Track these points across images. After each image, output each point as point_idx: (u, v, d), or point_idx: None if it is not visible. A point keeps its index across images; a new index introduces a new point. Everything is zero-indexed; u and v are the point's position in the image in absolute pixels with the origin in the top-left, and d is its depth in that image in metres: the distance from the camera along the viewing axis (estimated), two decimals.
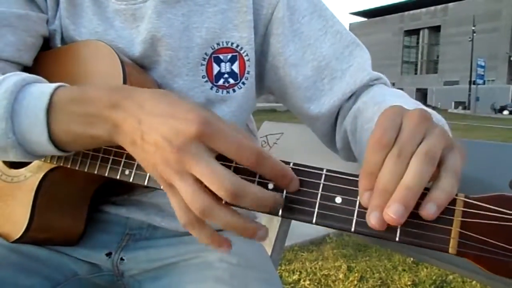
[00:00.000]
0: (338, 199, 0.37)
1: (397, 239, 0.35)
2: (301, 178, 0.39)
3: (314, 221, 0.38)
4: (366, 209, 0.35)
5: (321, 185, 0.38)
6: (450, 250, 0.33)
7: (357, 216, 0.36)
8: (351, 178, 0.38)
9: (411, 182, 0.32)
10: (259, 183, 0.39)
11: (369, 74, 0.65)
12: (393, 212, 0.32)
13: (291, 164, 0.39)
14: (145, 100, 0.40)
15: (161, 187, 0.41)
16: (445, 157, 0.35)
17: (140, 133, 0.39)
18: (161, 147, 0.37)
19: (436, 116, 0.51)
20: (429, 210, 0.32)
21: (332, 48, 0.65)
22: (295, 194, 0.39)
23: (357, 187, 0.37)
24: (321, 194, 0.38)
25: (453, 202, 0.34)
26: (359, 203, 0.36)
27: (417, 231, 0.34)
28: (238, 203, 0.36)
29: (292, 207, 0.39)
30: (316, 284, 2.13)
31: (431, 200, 0.33)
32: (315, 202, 0.38)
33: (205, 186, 0.36)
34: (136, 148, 0.40)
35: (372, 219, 0.33)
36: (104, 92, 0.43)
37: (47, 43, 0.67)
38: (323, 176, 0.38)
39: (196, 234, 0.40)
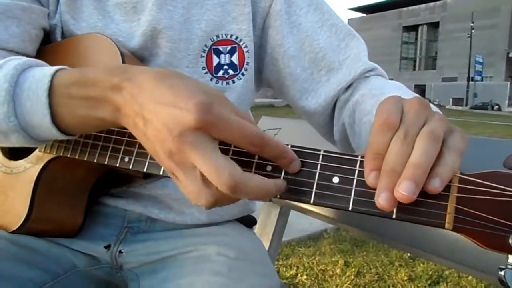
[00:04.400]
0: (336, 179, 0.38)
1: (394, 216, 0.35)
2: (299, 159, 0.40)
3: (312, 201, 0.38)
4: (363, 188, 0.36)
5: (319, 165, 0.39)
6: (446, 226, 0.34)
7: (354, 195, 0.37)
8: (348, 157, 0.38)
9: (419, 160, 0.33)
10: (258, 164, 0.40)
11: (364, 65, 0.65)
12: (404, 190, 0.32)
13: (289, 146, 0.40)
14: (145, 82, 0.39)
15: (161, 173, 0.43)
16: (447, 138, 0.36)
17: (141, 118, 0.38)
18: (162, 135, 0.36)
19: (433, 108, 0.52)
20: (434, 184, 0.33)
21: (328, 41, 0.67)
22: (293, 175, 0.40)
23: (353, 166, 0.37)
24: (319, 174, 0.39)
25: None
26: (356, 181, 0.37)
27: (413, 207, 0.35)
28: (239, 196, 0.36)
29: (290, 188, 0.40)
30: (313, 279, 2.14)
31: (436, 175, 0.34)
32: (313, 182, 0.39)
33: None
34: (138, 132, 0.40)
35: (382, 200, 0.34)
36: (104, 74, 0.42)
37: (47, 37, 0.68)
38: (321, 156, 0.39)
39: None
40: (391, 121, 0.35)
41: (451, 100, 46.82)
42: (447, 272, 2.24)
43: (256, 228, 1.06)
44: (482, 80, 52.65)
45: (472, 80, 49.07)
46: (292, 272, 2.19)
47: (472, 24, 49.54)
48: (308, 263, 2.31)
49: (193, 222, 0.68)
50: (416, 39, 67.36)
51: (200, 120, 0.35)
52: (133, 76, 0.40)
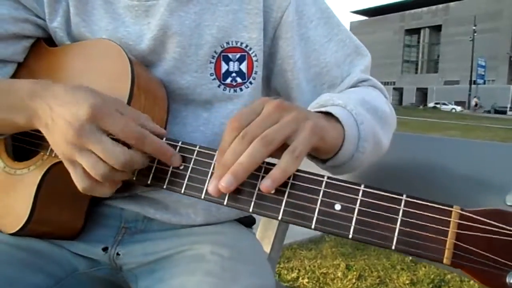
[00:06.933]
0: (338, 206, 0.39)
1: (393, 247, 0.36)
2: (302, 184, 0.41)
3: (313, 226, 0.39)
4: (365, 217, 0.38)
5: (322, 192, 0.40)
6: (445, 261, 0.34)
7: (355, 223, 0.38)
8: (351, 186, 0.39)
9: (242, 159, 0.40)
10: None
11: (356, 76, 0.67)
12: (223, 181, 0.40)
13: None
14: (59, 91, 0.49)
15: (165, 187, 0.49)
16: (291, 140, 0.41)
17: (50, 118, 0.48)
18: (65, 129, 0.46)
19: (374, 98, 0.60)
20: (264, 183, 0.40)
21: (334, 56, 0.67)
22: (296, 199, 0.40)
23: (356, 195, 0.39)
24: (321, 201, 0.40)
25: (448, 213, 0.35)
26: (358, 210, 0.38)
27: (413, 240, 0.35)
28: (129, 170, 0.48)
29: (292, 212, 0.40)
30: (314, 282, 2.14)
31: (268, 176, 0.40)
32: (315, 208, 0.39)
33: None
34: (48, 130, 0.49)
35: (209, 187, 0.42)
36: (27, 84, 0.52)
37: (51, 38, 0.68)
38: (324, 183, 0.40)
39: (97, 194, 0.51)
40: (236, 123, 0.42)
41: (453, 103, 46.74)
42: (449, 276, 2.24)
43: (258, 231, 1.06)
44: (484, 83, 52.57)
45: (475, 83, 49.00)
46: (294, 275, 2.19)
47: (474, 28, 49.51)
48: (309, 266, 2.30)
49: (188, 223, 0.68)
50: (418, 42, 67.34)
51: (91, 114, 0.46)
52: (50, 87, 0.50)
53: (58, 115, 0.47)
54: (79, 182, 0.49)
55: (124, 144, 0.47)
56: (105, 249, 0.67)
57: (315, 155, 0.51)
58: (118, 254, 0.67)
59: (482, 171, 0.70)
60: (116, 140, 0.47)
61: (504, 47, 54.56)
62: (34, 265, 0.61)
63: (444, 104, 44.90)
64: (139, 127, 0.48)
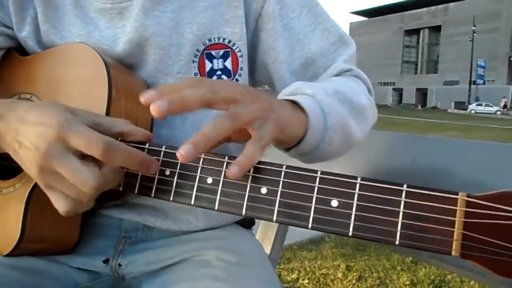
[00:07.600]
0: (334, 202, 0.36)
1: (397, 242, 0.34)
2: (294, 181, 0.39)
3: (310, 226, 0.37)
4: (364, 212, 0.35)
5: (316, 188, 0.37)
6: (453, 253, 0.32)
7: (354, 220, 0.35)
8: (347, 180, 0.37)
9: (205, 129, 0.39)
10: (251, 187, 0.40)
11: (339, 66, 0.64)
12: (183, 149, 0.38)
13: (284, 167, 0.39)
14: (25, 111, 0.46)
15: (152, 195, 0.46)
16: (256, 128, 0.41)
17: (17, 142, 0.45)
18: (32, 154, 0.43)
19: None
20: (231, 169, 0.38)
21: (319, 46, 0.65)
22: (290, 198, 0.38)
23: (353, 189, 0.36)
24: (316, 198, 0.37)
25: (454, 201, 0.33)
26: (356, 206, 0.36)
27: (418, 234, 0.33)
28: (100, 191, 0.44)
29: (287, 212, 0.38)
30: (315, 283, 2.13)
31: (234, 163, 0.39)
32: (310, 207, 0.37)
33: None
34: (16, 156, 0.46)
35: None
36: None
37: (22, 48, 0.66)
38: (318, 178, 0.38)
39: (80, 211, 0.48)
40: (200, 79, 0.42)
41: (453, 103, 46.73)
42: (449, 276, 2.23)
43: (258, 232, 1.06)
44: (484, 83, 52.61)
45: (474, 83, 49.03)
46: (294, 276, 2.18)
47: (473, 28, 49.56)
48: (309, 267, 2.30)
49: (189, 229, 0.66)
50: (418, 42, 67.37)
51: (58, 134, 0.42)
52: (15, 107, 0.47)
53: (23, 137, 0.44)
54: (60, 207, 0.46)
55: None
56: (106, 261, 0.65)
57: (275, 145, 0.50)
58: (120, 265, 0.64)
59: (482, 171, 0.70)
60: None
61: (503, 47, 54.62)
62: (32, 285, 0.59)
63: (488, 105, 39.21)
64: (107, 138, 0.43)
